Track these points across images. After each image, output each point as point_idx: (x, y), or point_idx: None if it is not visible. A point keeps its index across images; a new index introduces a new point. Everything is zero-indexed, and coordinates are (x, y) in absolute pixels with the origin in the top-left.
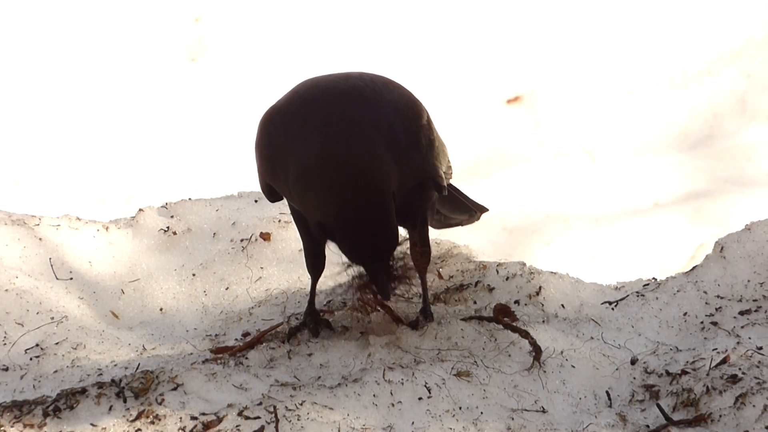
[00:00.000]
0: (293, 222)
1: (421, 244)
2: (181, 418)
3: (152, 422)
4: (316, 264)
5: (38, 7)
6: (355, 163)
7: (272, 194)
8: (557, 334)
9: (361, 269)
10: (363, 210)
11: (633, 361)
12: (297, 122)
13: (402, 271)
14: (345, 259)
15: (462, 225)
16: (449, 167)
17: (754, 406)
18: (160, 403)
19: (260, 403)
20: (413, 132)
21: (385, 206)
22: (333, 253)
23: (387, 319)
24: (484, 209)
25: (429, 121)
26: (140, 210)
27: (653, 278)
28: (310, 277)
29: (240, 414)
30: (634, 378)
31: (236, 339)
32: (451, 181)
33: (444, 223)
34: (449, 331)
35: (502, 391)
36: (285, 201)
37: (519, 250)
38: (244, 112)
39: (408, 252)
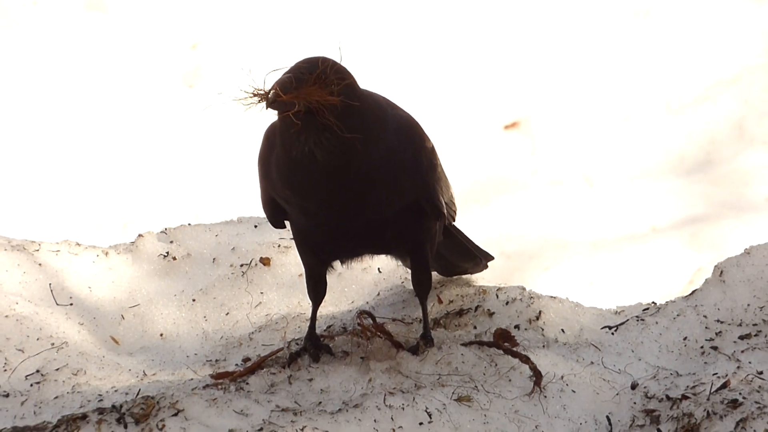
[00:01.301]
0: (293, 247)
1: (421, 272)
2: None
3: None
4: (317, 290)
5: (37, 33)
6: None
7: (274, 215)
8: (557, 359)
9: None
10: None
11: (633, 386)
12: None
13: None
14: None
15: (469, 273)
16: (453, 202)
17: (754, 430)
18: (161, 429)
19: (261, 429)
20: (416, 149)
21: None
22: (335, 279)
23: (387, 345)
24: (490, 257)
25: (433, 148)
26: (140, 235)
27: (653, 302)
28: (311, 302)
29: None
30: (635, 403)
31: (237, 364)
32: (458, 227)
33: (450, 271)
34: (450, 356)
35: (503, 416)
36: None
37: (517, 276)
38: (241, 137)
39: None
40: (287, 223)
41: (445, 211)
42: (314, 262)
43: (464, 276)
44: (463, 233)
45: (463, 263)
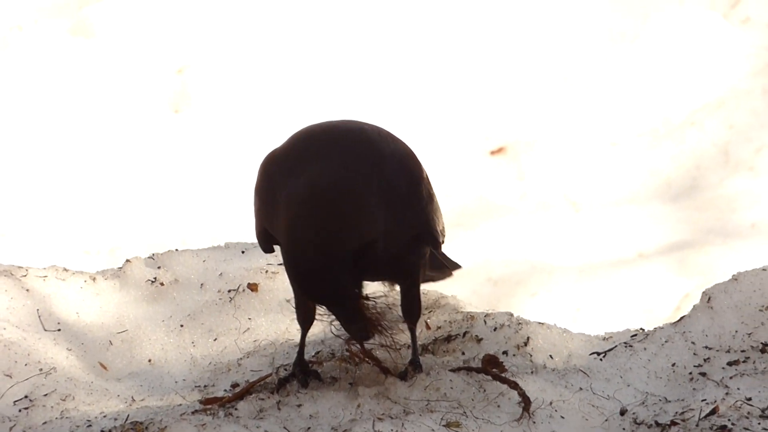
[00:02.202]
0: (280, 273)
1: (412, 299)
2: None
3: None
4: (306, 316)
5: (23, 58)
6: (333, 203)
7: (267, 241)
8: (546, 385)
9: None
10: (312, 251)
11: (622, 412)
12: (295, 157)
13: (376, 318)
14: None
15: (434, 281)
16: (443, 228)
17: None
18: None
19: None
20: (415, 182)
21: (336, 261)
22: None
23: (376, 370)
24: (457, 266)
25: (428, 178)
26: (127, 261)
27: (641, 329)
28: (299, 328)
29: None
30: (624, 429)
31: (225, 390)
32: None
33: None
34: (438, 381)
35: None
36: (273, 253)
37: (504, 302)
38: (229, 162)
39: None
40: (276, 247)
41: (441, 239)
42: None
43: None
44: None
45: (431, 272)
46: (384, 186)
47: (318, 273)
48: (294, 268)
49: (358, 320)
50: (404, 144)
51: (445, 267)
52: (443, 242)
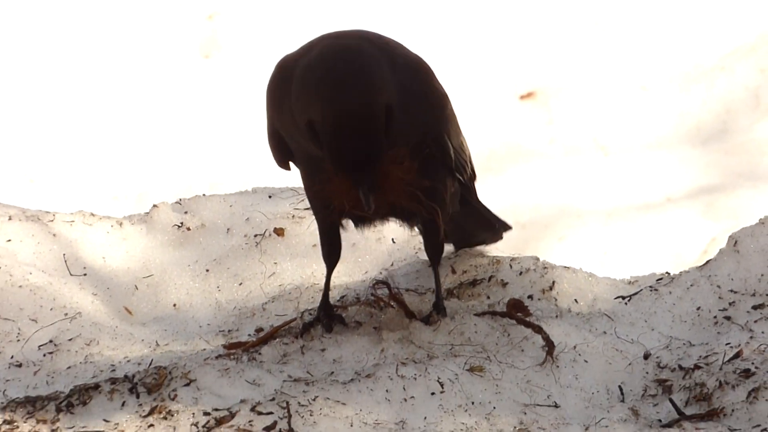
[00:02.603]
0: (306, 217)
1: (434, 237)
2: (193, 413)
3: (165, 418)
4: (331, 252)
5: (51, 4)
6: (353, 65)
7: (279, 149)
8: (570, 329)
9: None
10: (352, 114)
11: (646, 356)
12: (308, 63)
13: (388, 185)
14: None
15: (486, 244)
16: (469, 160)
17: (766, 400)
18: (173, 399)
19: (273, 399)
20: (422, 81)
21: (375, 115)
22: (348, 249)
23: (400, 315)
24: (508, 227)
25: (444, 93)
26: (154, 206)
27: (666, 273)
28: (325, 266)
29: (253, 409)
30: (647, 373)
31: (249, 335)
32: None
33: (466, 242)
34: (462, 326)
35: (515, 386)
36: (299, 197)
37: (532, 246)
38: (257, 108)
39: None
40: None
41: (453, 155)
42: (328, 223)
43: (478, 247)
44: (481, 202)
45: (480, 233)
46: (397, 78)
47: (363, 123)
48: (334, 128)
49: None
50: (415, 54)
51: (495, 227)
52: (473, 178)
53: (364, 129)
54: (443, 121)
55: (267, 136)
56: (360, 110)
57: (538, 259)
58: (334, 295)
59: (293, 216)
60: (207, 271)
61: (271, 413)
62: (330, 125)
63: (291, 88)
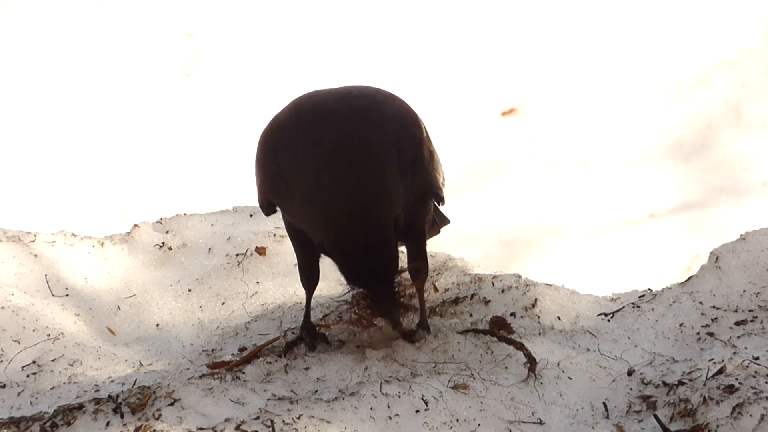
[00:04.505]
0: (288, 237)
1: (418, 258)
2: None
3: None
4: (310, 278)
5: (34, 21)
6: (363, 190)
7: (269, 208)
8: (553, 346)
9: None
10: (363, 238)
11: (629, 372)
12: (304, 145)
13: (407, 299)
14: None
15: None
16: (443, 178)
17: (751, 415)
18: (157, 419)
19: (257, 417)
20: (417, 146)
21: (386, 235)
22: (328, 267)
23: (383, 333)
24: (446, 221)
25: (427, 133)
26: (135, 226)
27: (649, 289)
28: (304, 291)
29: (237, 428)
30: (631, 389)
31: (233, 354)
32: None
33: None
34: (446, 344)
35: (499, 403)
36: (279, 215)
37: (515, 263)
38: (238, 126)
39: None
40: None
41: (442, 188)
42: (306, 252)
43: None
44: None
45: None
46: (392, 159)
47: (374, 247)
48: (342, 250)
49: (395, 301)
50: (403, 103)
51: (434, 223)
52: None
53: (378, 254)
54: (433, 174)
55: (257, 197)
56: (374, 239)
57: (520, 276)
58: (316, 314)
59: (275, 235)
60: (189, 290)
61: (256, 431)
62: (345, 257)
63: (284, 161)
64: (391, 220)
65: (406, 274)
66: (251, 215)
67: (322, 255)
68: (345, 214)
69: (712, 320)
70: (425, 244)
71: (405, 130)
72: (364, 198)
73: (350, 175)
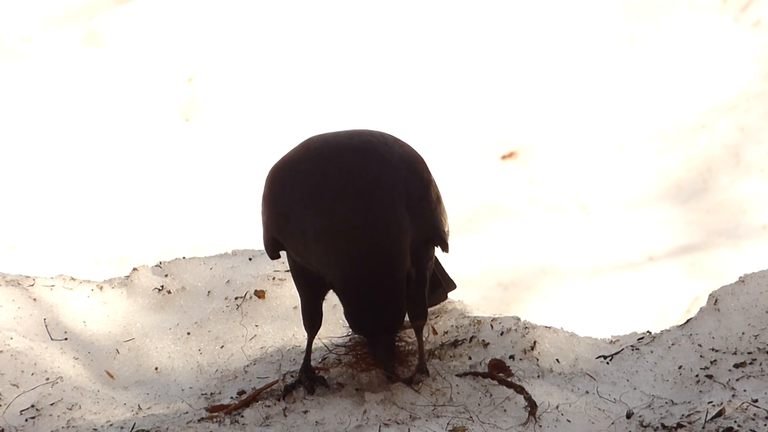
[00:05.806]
0: (287, 280)
1: (419, 302)
2: None
3: None
4: (312, 322)
5: (33, 68)
6: (374, 229)
7: (274, 249)
8: (552, 389)
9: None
10: (374, 281)
11: (629, 415)
12: (314, 180)
13: (405, 349)
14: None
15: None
16: (449, 228)
17: None
18: None
19: None
20: (424, 186)
21: (397, 280)
22: (327, 310)
23: (382, 376)
24: (453, 286)
25: (434, 180)
26: (134, 269)
27: (648, 332)
28: (306, 334)
29: None
30: None
31: (232, 397)
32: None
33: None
34: (445, 387)
35: None
36: (280, 259)
37: (514, 306)
38: (237, 170)
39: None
40: (282, 253)
41: (447, 234)
42: (310, 294)
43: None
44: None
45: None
46: (401, 198)
47: (390, 300)
48: (352, 285)
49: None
50: (410, 147)
51: (441, 286)
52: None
53: (387, 300)
54: (439, 218)
55: (263, 240)
56: (384, 285)
57: (519, 319)
58: (315, 357)
59: (274, 278)
60: (188, 334)
61: None
62: (354, 301)
63: (293, 198)
64: (404, 265)
65: (407, 322)
66: (250, 258)
67: (325, 298)
68: (357, 245)
69: (711, 363)
70: (426, 289)
71: (412, 169)
72: (375, 228)
73: (361, 206)
